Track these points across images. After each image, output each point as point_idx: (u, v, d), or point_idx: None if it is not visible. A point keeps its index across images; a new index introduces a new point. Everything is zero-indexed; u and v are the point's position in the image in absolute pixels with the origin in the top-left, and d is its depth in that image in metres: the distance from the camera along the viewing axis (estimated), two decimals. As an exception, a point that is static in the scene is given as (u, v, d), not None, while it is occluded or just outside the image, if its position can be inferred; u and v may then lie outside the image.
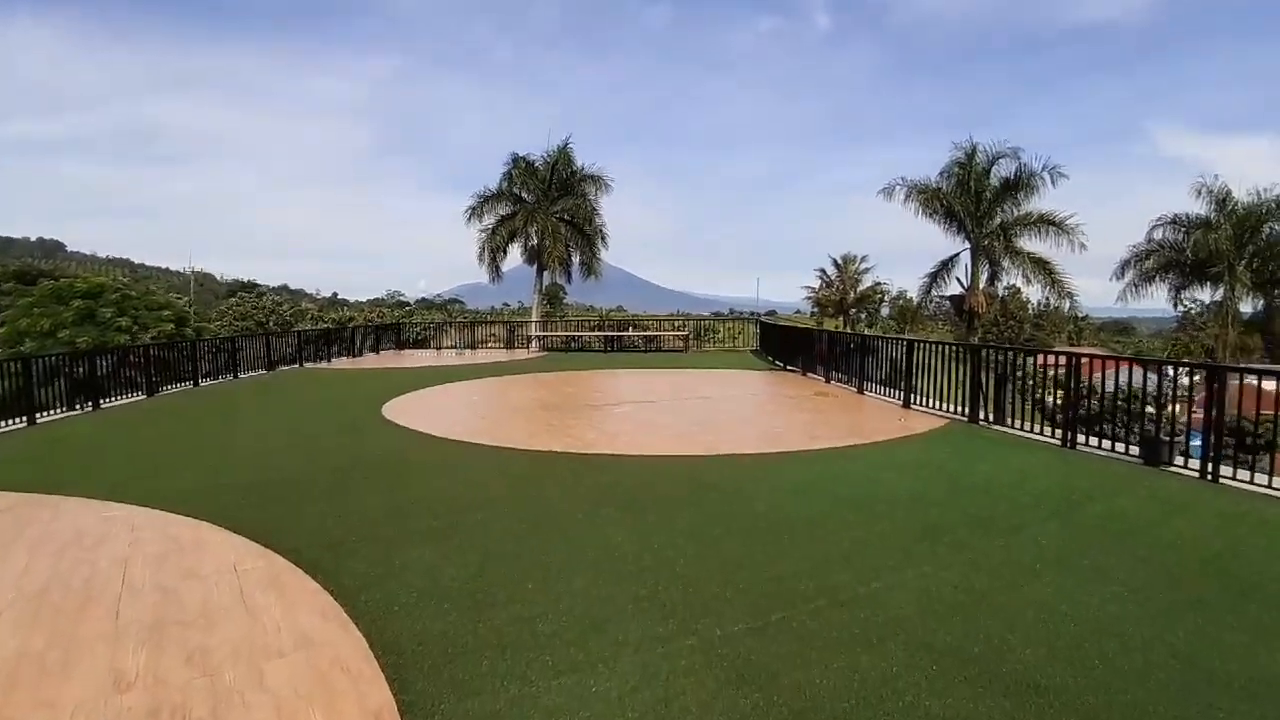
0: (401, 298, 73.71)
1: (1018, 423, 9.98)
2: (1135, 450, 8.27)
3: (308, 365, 22.08)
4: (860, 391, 13.65)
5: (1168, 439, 7.95)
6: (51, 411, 12.98)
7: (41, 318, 31.73)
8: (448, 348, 28.68)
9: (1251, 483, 7.09)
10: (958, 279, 31.87)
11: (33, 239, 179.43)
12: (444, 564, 5.05)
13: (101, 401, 13.83)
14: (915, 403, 11.83)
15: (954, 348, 12.13)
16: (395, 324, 32.17)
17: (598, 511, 6.28)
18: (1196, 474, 7.46)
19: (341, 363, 23.15)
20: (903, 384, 12.10)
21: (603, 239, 32.52)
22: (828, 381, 15.36)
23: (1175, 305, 34.51)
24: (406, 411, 12.22)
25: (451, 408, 12.84)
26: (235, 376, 18.91)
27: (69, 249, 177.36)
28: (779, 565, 4.98)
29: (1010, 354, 10.77)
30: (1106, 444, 8.69)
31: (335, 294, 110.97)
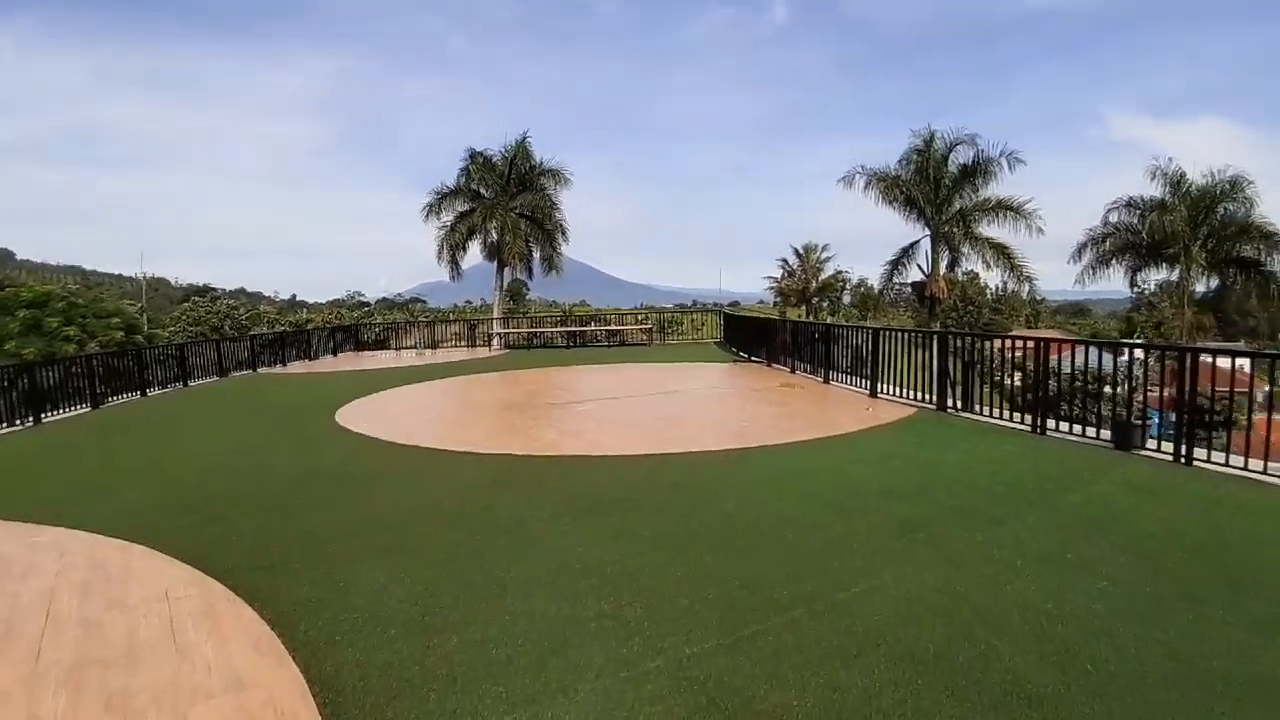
0: (362, 298, 72.72)
1: (986, 410, 9.81)
2: (1106, 435, 8.15)
3: (262, 370, 21.46)
4: (826, 381, 13.47)
5: (1138, 422, 7.82)
6: (-15, 428, 12.36)
7: (-17, 329, 30.69)
8: (408, 348, 28.17)
9: (1227, 464, 6.97)
10: (919, 265, 32.00)
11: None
12: (392, 584, 4.70)
13: (42, 415, 13.22)
14: (882, 391, 11.67)
15: (920, 335, 11.97)
16: (353, 325, 31.51)
17: (558, 519, 5.97)
18: (1170, 457, 7.33)
19: (297, 367, 22.55)
20: (869, 373, 11.93)
21: (563, 234, 32.17)
22: (793, 372, 15.17)
23: (1131, 287, 34.93)
24: (361, 416, 11.80)
25: (408, 411, 12.43)
26: (185, 385, 18.28)
27: (18, 257, 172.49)
28: (750, 572, 4.71)
29: (975, 340, 10.60)
30: (1077, 429, 8.56)
31: (294, 295, 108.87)
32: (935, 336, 10.86)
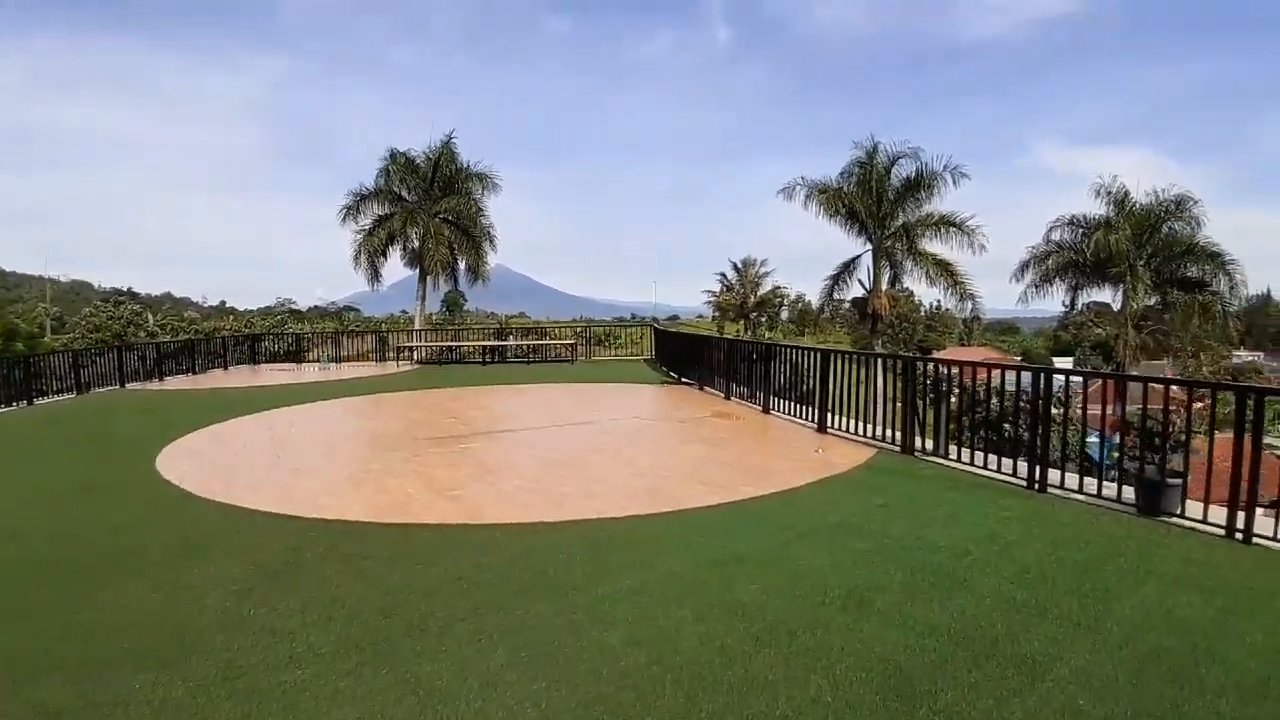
0: (293, 305, 69.00)
1: (964, 454, 7.89)
2: (1110, 491, 6.34)
3: (131, 386, 18.79)
4: (766, 410, 11.48)
5: (1174, 481, 5.96)
6: None
7: None
8: (312, 361, 25.62)
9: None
10: (860, 281, 30.72)
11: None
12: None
13: None
14: (833, 424, 9.72)
15: (882, 360, 10.12)
16: (250, 336, 28.66)
17: (342, 657, 3.77)
18: (1220, 530, 5.48)
19: (177, 382, 19.90)
20: (817, 402, 9.99)
21: (491, 241, 30.04)
22: (728, 398, 13.17)
23: (1073, 305, 34.19)
24: (191, 453, 9.49)
25: (254, 446, 10.04)
26: (30, 403, 15.68)
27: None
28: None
29: (949, 368, 8.63)
30: (1079, 482, 6.69)
31: (223, 301, 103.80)
32: (903, 363, 8.92)
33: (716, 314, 67.51)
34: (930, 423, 8.28)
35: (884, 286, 29.96)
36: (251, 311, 65.96)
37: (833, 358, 9.89)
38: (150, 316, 55.99)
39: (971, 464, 7.61)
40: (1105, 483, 6.66)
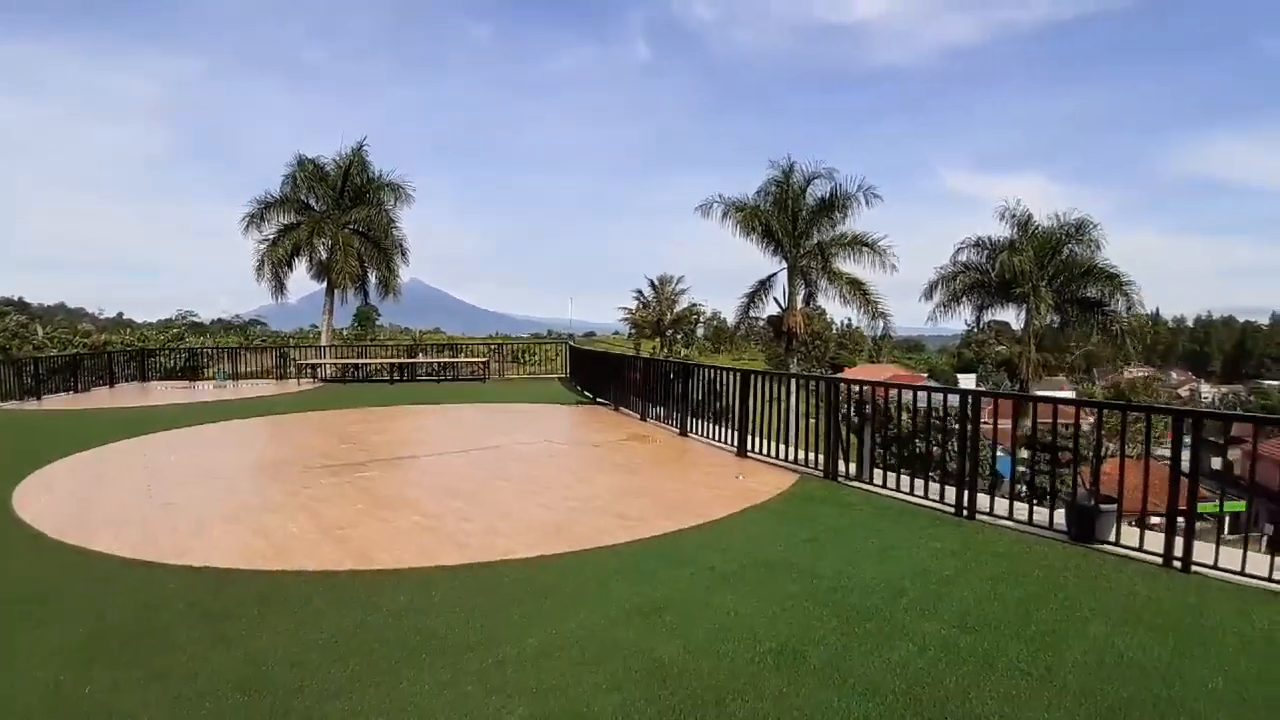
0: (195, 318, 65.71)
1: (889, 478, 7.56)
2: (1040, 517, 6.08)
3: (4, 406, 17.30)
4: (684, 432, 11.05)
5: (1108, 506, 5.72)
6: None
7: None
8: (208, 379, 24.19)
9: (1244, 573, 4.93)
10: (775, 299, 30.83)
11: None
12: None
13: None
14: (753, 448, 9.33)
15: (802, 381, 9.82)
16: (141, 351, 26.94)
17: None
18: (1158, 559, 5.25)
19: (57, 401, 18.40)
20: (736, 424, 9.61)
21: (402, 254, 28.95)
22: (644, 419, 12.70)
23: (978, 324, 35.04)
24: (52, 486, 8.51)
25: (124, 477, 9.07)
26: (-127, 429, 14.18)
27: None
28: None
29: (873, 388, 8.29)
30: (1010, 508, 6.43)
31: (120, 313, 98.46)
32: (824, 383, 8.58)
33: (633, 331, 67.26)
34: (853, 445, 7.97)
35: (799, 305, 30.09)
36: (150, 325, 62.80)
37: (753, 378, 9.51)
38: (39, 329, 52.55)
39: (898, 489, 7.29)
40: (1036, 507, 6.41)
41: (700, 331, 77.63)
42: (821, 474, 8.02)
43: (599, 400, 15.83)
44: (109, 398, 19.28)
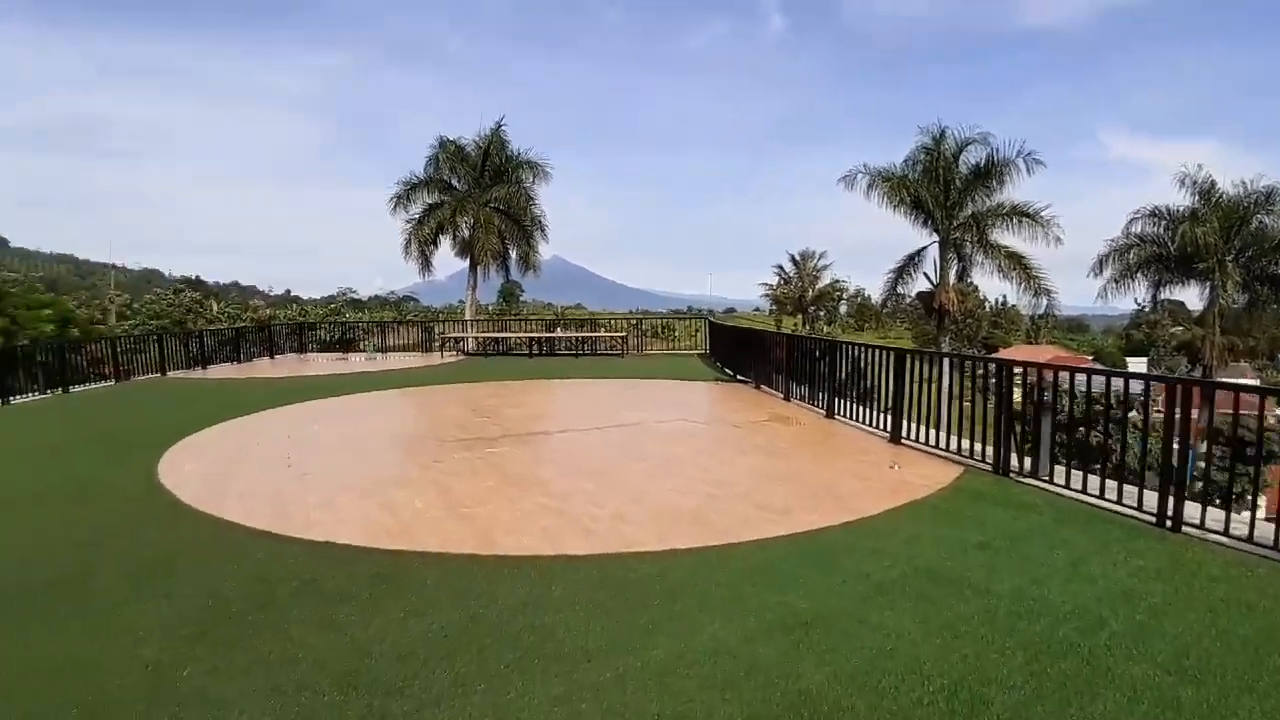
0: (354, 295, 69.34)
1: (1071, 478, 6.53)
2: (1277, 536, 5.08)
3: (173, 374, 18.46)
4: (830, 415, 10.29)
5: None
6: None
7: (-96, 316, 27.85)
8: (359, 351, 25.19)
9: None
10: (925, 274, 29.24)
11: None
12: None
13: None
14: (908, 434, 8.54)
15: (969, 363, 8.93)
16: (299, 325, 28.32)
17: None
18: None
19: (221, 370, 19.56)
20: (890, 407, 8.82)
21: (542, 231, 29.23)
22: (787, 399, 12.01)
23: (1154, 303, 32.27)
24: (199, 452, 8.82)
25: (268, 445, 9.22)
26: (65, 390, 15.35)
27: (12, 244, 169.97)
28: None
29: (1056, 374, 7.19)
30: (1225, 522, 5.44)
31: (288, 290, 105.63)
32: (997, 367, 7.65)
33: (773, 307, 66.17)
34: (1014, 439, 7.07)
35: (951, 280, 28.45)
36: (315, 300, 66.52)
37: (909, 358, 8.69)
38: (214, 304, 56.63)
39: (1084, 491, 6.34)
40: (1259, 520, 5.41)
41: (843, 308, 75.48)
42: (990, 468, 7.14)
43: (739, 378, 15.21)
44: (268, 368, 20.25)
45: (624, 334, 23.82)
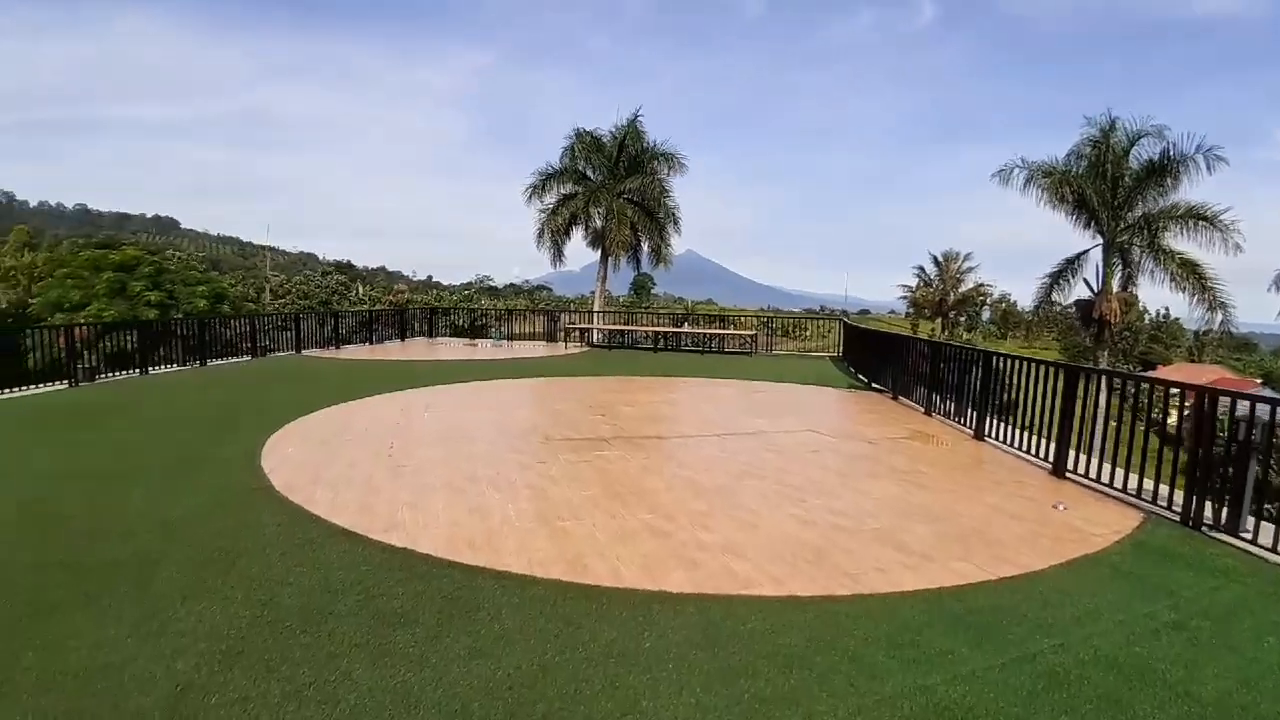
0: (490, 282, 71.23)
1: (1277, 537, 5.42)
2: None
3: (307, 352, 19.06)
4: (979, 436, 9.19)
5: None
6: None
7: (73, 289, 29.82)
8: (486, 338, 25.37)
9: None
10: (1085, 281, 26.92)
11: (149, 216, 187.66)
12: None
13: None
14: (1073, 466, 7.41)
15: (1158, 388, 7.73)
16: (430, 309, 28.83)
17: None
18: None
19: (353, 351, 20.03)
20: (1053, 434, 7.70)
21: (674, 223, 28.68)
22: (928, 413, 10.92)
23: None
24: (307, 434, 8.71)
25: (374, 430, 8.98)
26: (203, 364, 15.85)
27: (183, 226, 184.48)
28: None
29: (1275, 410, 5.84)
30: None
31: (430, 276, 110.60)
32: (1197, 394, 6.35)
33: (910, 310, 63.37)
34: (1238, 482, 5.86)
35: (1114, 288, 26.10)
36: (453, 287, 68.65)
37: (1082, 378, 7.53)
38: (359, 287, 59.29)
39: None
40: None
41: (985, 314, 71.69)
42: (1178, 517, 5.99)
43: (874, 386, 14.12)
44: (397, 351, 20.55)
45: (753, 332, 22.91)
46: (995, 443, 8.90)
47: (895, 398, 12.56)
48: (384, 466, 7.15)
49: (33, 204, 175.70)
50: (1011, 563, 5.01)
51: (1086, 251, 26.23)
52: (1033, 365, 8.43)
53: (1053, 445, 7.68)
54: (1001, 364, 9.23)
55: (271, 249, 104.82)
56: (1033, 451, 8.08)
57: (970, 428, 9.47)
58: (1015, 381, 8.71)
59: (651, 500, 6.29)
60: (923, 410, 11.13)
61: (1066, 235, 25.83)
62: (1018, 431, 8.57)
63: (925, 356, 11.75)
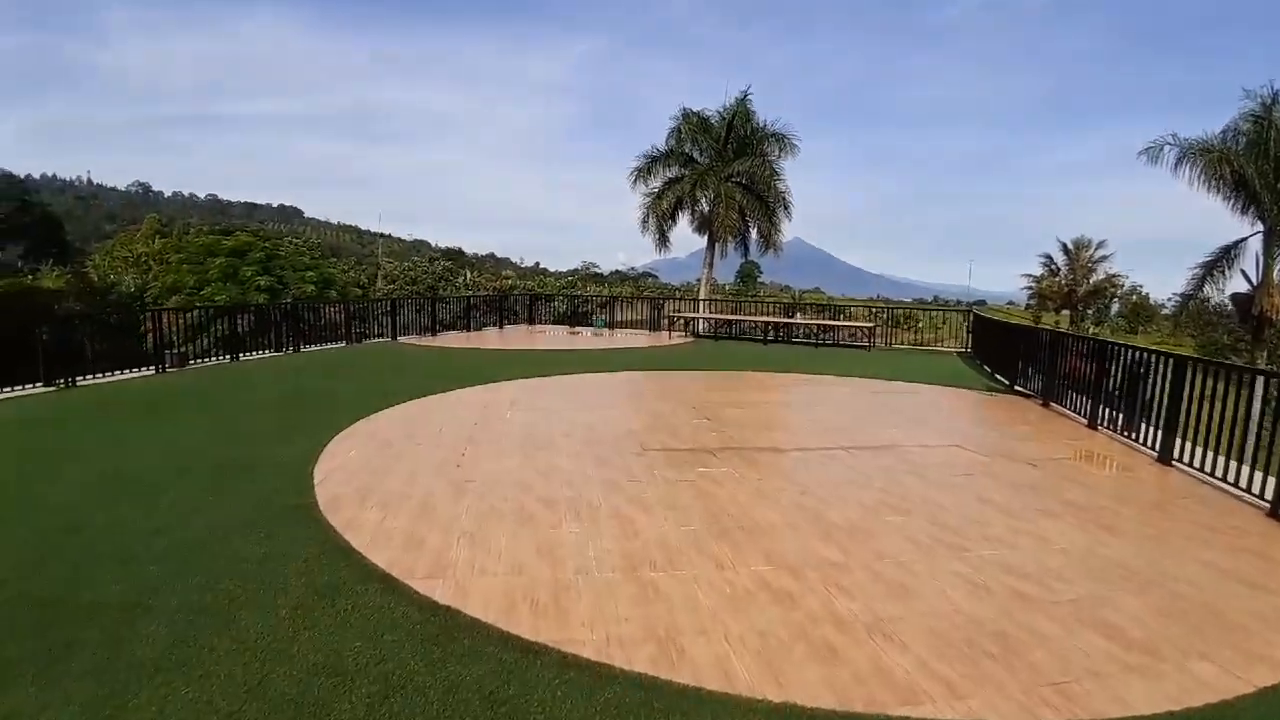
0: (596, 269, 71.07)
1: None
2: None
3: (404, 339, 18.68)
4: (1165, 460, 7.62)
5: None
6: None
7: (188, 274, 30.63)
8: (588, 326, 24.56)
9: None
10: (1243, 272, 24.26)
11: (274, 205, 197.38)
12: None
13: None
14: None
15: None
16: (530, 296, 28.21)
17: None
18: None
19: (450, 338, 19.59)
20: (1277, 468, 6.12)
21: (785, 208, 27.13)
22: (1092, 426, 9.33)
23: None
24: (374, 433, 7.96)
25: (448, 432, 8.08)
26: (297, 350, 15.54)
27: (306, 214, 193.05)
28: None
29: None
30: None
31: (537, 263, 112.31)
32: None
33: (1032, 302, 59.65)
34: None
35: (1276, 280, 23.39)
36: (560, 273, 68.74)
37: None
38: (466, 273, 59.88)
39: None
40: None
41: (1114, 307, 67.01)
42: None
43: (1016, 388, 12.43)
44: (494, 338, 19.99)
45: (871, 324, 21.27)
46: (1185, 466, 7.30)
47: (1045, 404, 10.91)
48: (447, 480, 6.18)
49: (167, 194, 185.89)
50: (1268, 660, 3.62)
51: (1245, 239, 23.63)
52: (1239, 373, 6.78)
53: (1270, 479, 6.12)
54: (1192, 368, 7.53)
55: (385, 236, 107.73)
56: (1242, 485, 6.48)
57: (1151, 447, 7.88)
58: (1208, 389, 7.11)
59: (768, 542, 5.08)
60: (1084, 421, 9.52)
61: (1227, 219, 23.24)
62: (1217, 456, 6.94)
63: (1085, 355, 10.06)
